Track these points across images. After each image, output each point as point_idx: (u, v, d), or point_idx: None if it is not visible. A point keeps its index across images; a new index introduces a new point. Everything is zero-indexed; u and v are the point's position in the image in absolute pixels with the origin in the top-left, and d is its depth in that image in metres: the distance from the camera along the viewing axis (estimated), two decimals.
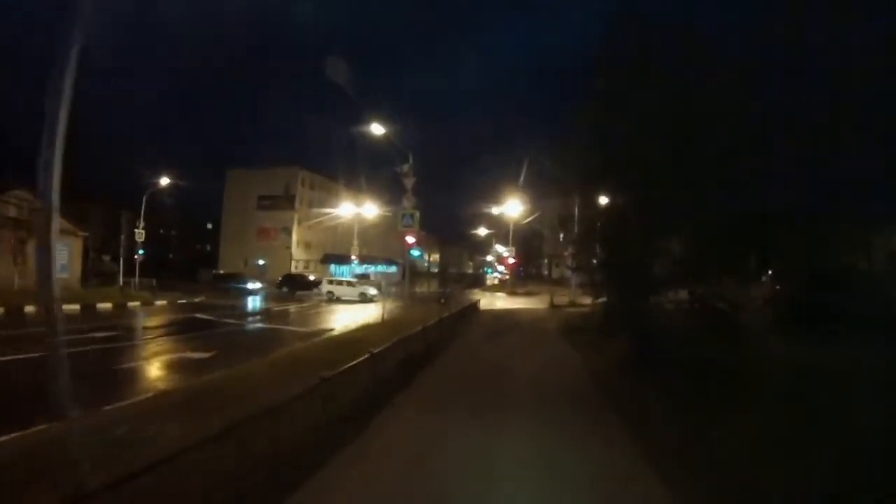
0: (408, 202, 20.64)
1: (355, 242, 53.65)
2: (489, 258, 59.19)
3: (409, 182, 20.80)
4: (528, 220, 40.20)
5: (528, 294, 38.92)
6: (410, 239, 20.09)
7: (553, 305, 24.19)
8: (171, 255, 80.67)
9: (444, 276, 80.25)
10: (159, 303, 26.43)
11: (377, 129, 21.08)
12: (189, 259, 71.09)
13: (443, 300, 22.05)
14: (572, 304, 24.00)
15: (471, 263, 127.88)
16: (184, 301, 27.99)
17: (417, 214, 20.40)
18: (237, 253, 63.13)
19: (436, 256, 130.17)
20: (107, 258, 52.67)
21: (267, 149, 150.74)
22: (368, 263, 75.45)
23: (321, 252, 64.93)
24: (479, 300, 24.81)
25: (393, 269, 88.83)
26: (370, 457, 5.03)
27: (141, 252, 37.25)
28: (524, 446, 5.42)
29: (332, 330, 17.26)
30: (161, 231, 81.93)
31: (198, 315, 21.17)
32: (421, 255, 19.91)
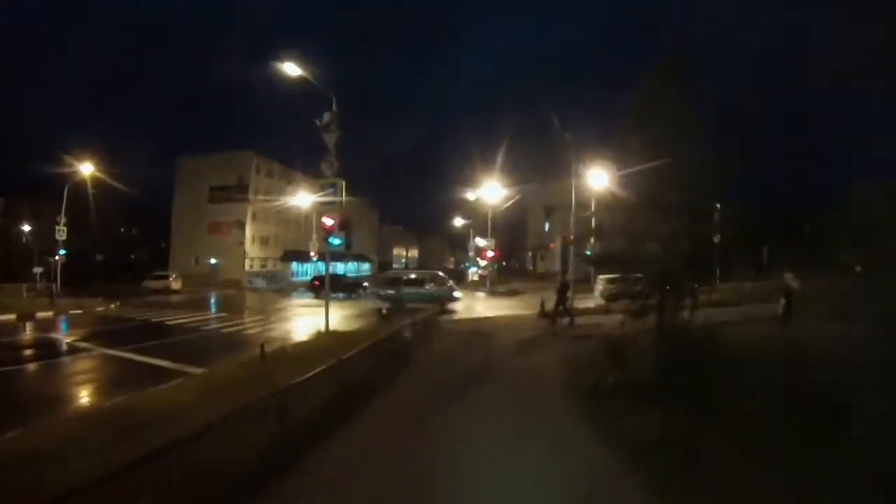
0: (328, 168, 14.12)
1: (314, 237, 46.93)
2: (470, 252, 52.83)
3: (330, 138, 14.27)
4: (509, 203, 33.97)
5: (510, 294, 32.25)
6: (328, 221, 13.64)
7: (545, 314, 17.70)
8: (132, 256, 73.54)
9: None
10: (42, 314, 21.10)
11: (292, 69, 14.62)
12: (153, 259, 64.21)
13: (384, 311, 15.41)
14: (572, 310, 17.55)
15: (452, 259, 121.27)
16: (79, 312, 22.66)
17: (343, 185, 13.94)
18: (188, 251, 56.14)
19: (414, 252, 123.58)
20: (52, 260, 46.46)
21: (234, 137, 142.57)
22: (336, 261, 68.68)
23: (282, 248, 57.97)
24: (440, 309, 18.17)
25: (366, 266, 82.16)
26: None
27: (62, 252, 32.29)
28: None
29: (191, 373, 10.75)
30: (122, 230, 74.90)
31: (55, 335, 16.12)
32: (342, 244, 13.31)
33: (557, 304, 16.82)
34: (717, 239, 8.54)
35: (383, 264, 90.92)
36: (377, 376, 8.50)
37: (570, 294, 16.99)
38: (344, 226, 14.24)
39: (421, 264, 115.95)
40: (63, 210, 32.64)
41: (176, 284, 37.61)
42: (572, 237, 18.15)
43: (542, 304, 17.73)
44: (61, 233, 32.56)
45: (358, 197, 64.97)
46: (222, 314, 21.36)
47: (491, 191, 34.51)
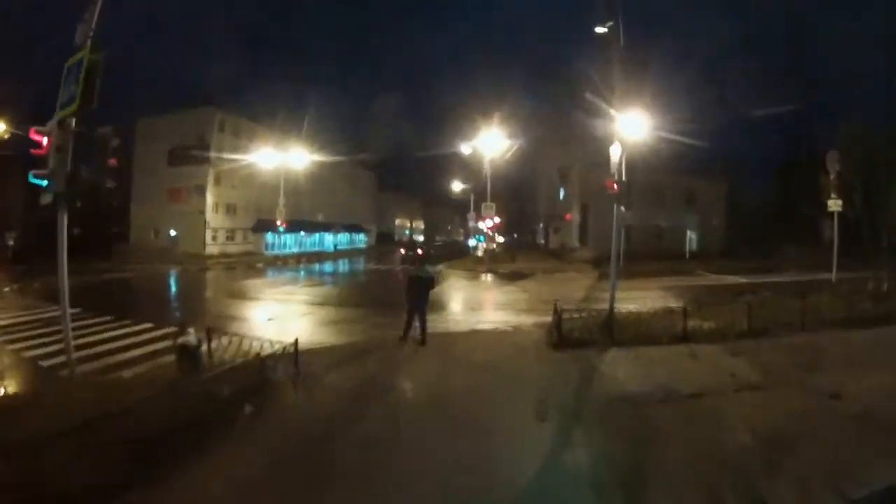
0: (84, 32, 6.35)
1: (281, 202, 39.39)
2: (472, 223, 44.31)
3: None
4: (510, 151, 26.02)
5: (512, 278, 23.90)
6: (43, 140, 6.00)
7: (561, 336, 10.01)
8: (114, 230, 66.73)
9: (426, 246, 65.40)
10: None
11: None
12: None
13: (194, 339, 7.03)
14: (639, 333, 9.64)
15: (461, 230, 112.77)
16: None
17: (95, 65, 6.19)
18: (148, 222, 48.99)
19: (419, 222, 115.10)
20: (12, 234, 39.86)
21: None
22: (323, 230, 61.23)
23: (252, 218, 50.46)
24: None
25: (361, 237, 74.51)
26: None
27: None
28: None
29: None
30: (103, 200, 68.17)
31: None
32: (49, 186, 5.37)
33: (412, 311, 10.03)
34: None
35: (383, 235, 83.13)
36: None
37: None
38: (115, 162, 6.39)
39: (427, 237, 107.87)
40: None
41: None
42: (616, 185, 10.12)
43: (557, 314, 9.89)
44: None
45: (353, 157, 56.82)
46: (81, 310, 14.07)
47: (490, 141, 26.55)
